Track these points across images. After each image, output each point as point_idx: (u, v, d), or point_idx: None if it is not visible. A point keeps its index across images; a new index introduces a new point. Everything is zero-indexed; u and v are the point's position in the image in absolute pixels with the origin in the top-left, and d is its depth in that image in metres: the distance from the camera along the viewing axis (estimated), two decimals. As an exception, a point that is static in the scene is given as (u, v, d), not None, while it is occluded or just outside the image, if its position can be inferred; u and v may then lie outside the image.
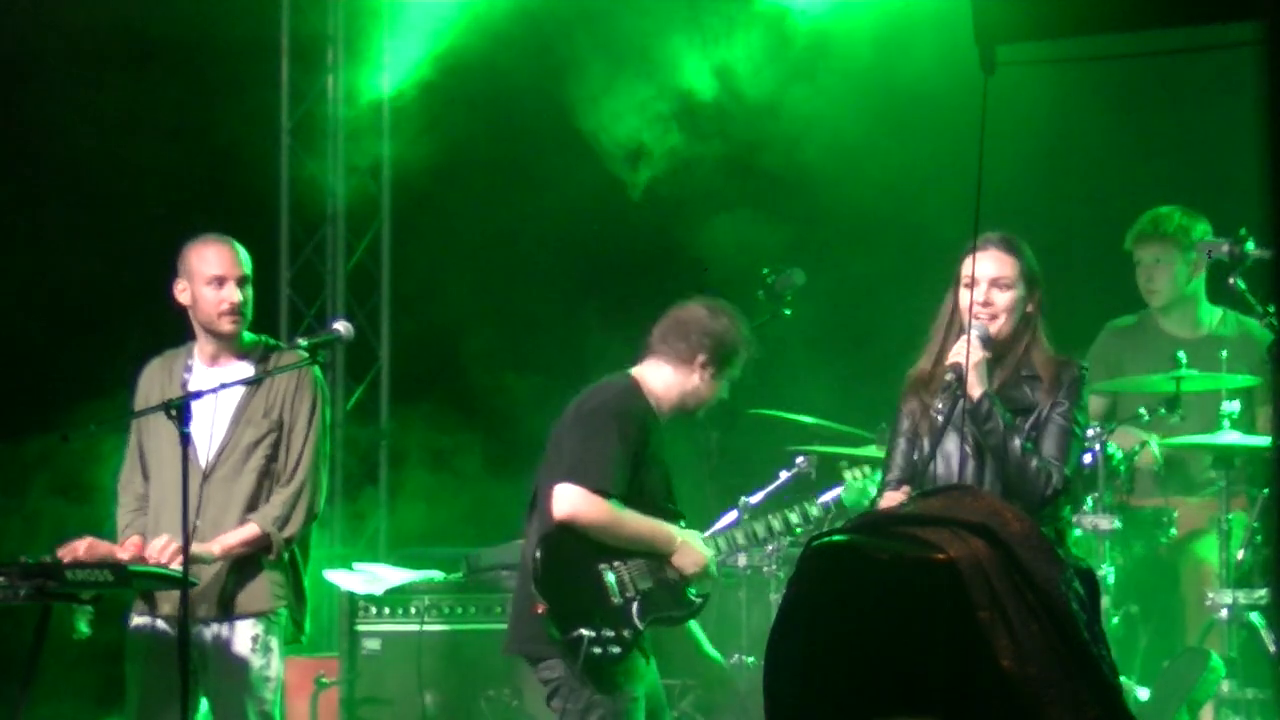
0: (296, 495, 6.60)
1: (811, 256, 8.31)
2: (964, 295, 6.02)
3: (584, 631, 6.31)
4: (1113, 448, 7.56)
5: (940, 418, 5.96)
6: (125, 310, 8.89)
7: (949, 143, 6.29)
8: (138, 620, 6.63)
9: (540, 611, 6.34)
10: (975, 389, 5.95)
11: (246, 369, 6.65)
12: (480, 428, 9.74)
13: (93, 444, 7.53)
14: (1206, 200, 7.98)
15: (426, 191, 10.08)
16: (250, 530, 6.55)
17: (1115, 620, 7.43)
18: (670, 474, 6.64)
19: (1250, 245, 6.94)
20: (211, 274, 6.62)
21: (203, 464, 6.58)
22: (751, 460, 8.17)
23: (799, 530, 6.91)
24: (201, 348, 6.71)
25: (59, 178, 9.81)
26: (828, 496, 7.01)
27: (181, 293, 6.68)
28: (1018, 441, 5.92)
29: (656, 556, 6.47)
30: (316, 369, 6.72)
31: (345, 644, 8.31)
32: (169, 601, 6.48)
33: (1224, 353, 7.58)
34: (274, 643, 6.59)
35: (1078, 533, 7.31)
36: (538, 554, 6.40)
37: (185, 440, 6.24)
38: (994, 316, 6.04)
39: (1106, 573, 7.45)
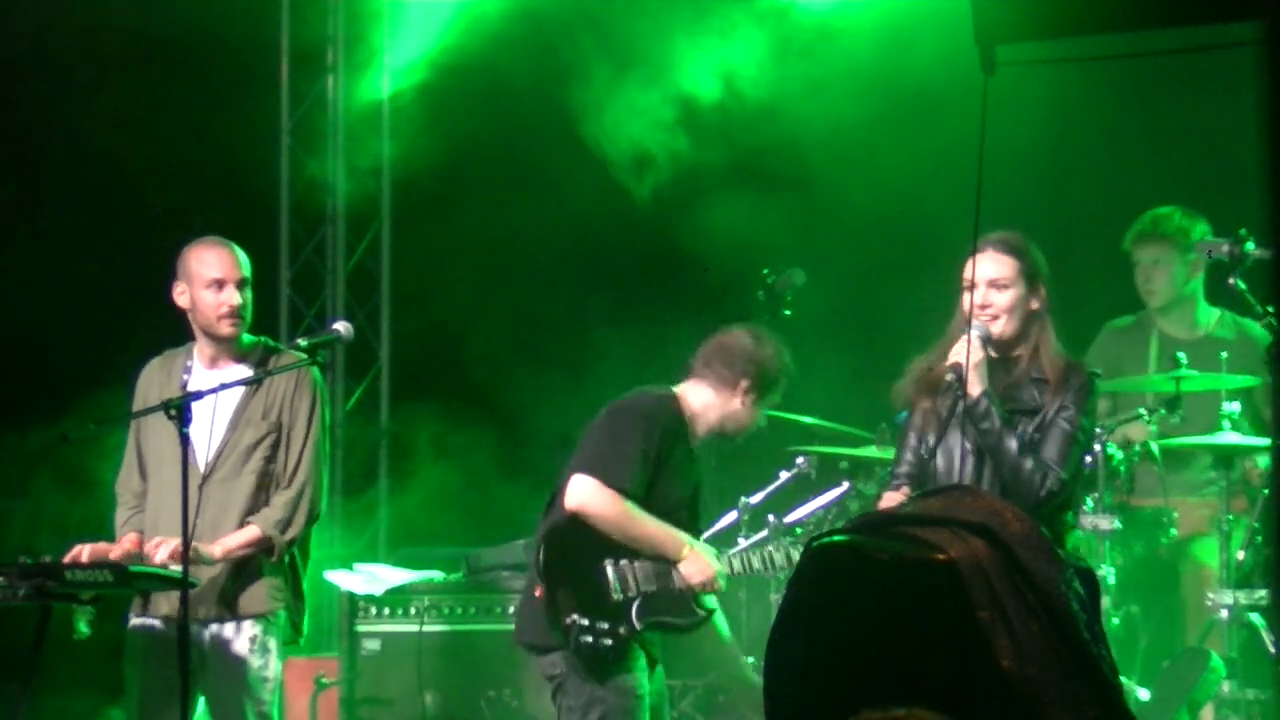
0: (298, 497, 6.59)
1: (812, 256, 8.32)
2: (965, 298, 6.04)
3: (576, 618, 6.34)
4: (1113, 448, 7.56)
5: (941, 416, 5.98)
6: (125, 310, 8.87)
7: (950, 143, 6.28)
8: (136, 621, 6.63)
9: (538, 595, 6.37)
10: (974, 388, 5.97)
11: (246, 371, 6.63)
12: (480, 428, 9.73)
13: (96, 440, 7.52)
14: (1206, 200, 7.98)
15: (426, 192, 10.07)
16: (252, 533, 6.54)
17: (1115, 620, 7.43)
18: (702, 497, 6.68)
19: (1250, 245, 6.94)
20: (211, 277, 6.60)
21: (202, 465, 6.56)
22: (751, 460, 8.17)
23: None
24: (201, 350, 6.70)
25: (60, 177, 9.80)
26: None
27: (180, 295, 6.66)
28: (1013, 442, 5.93)
29: (664, 561, 6.49)
30: (315, 370, 6.70)
31: (345, 644, 8.31)
32: (168, 602, 6.48)
33: (1224, 354, 7.58)
34: (272, 643, 6.58)
35: (1078, 534, 7.30)
36: (545, 540, 6.44)
37: (184, 441, 6.24)
38: (995, 317, 6.06)
39: (1107, 573, 7.45)
